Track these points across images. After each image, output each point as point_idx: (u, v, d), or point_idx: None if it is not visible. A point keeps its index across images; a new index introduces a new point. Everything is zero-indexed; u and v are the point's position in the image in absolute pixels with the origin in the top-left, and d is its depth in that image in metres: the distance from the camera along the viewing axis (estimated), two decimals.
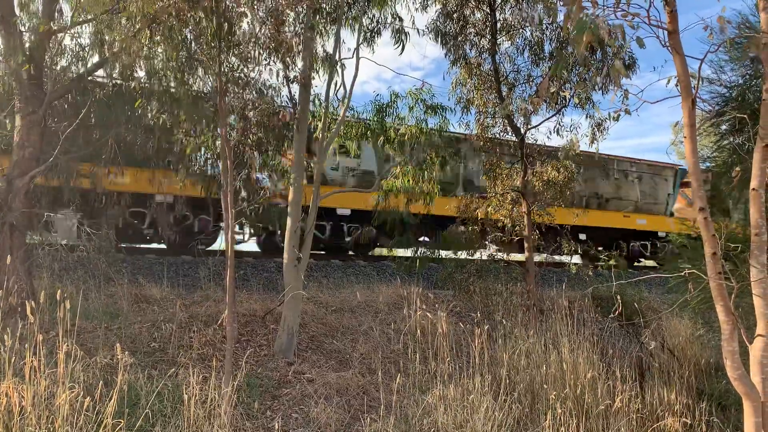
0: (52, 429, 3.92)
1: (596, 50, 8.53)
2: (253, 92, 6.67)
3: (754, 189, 3.59)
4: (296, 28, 6.83)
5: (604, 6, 2.88)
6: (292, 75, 6.87)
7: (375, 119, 8.45)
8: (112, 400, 4.02)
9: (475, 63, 10.05)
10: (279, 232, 12.72)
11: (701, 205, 3.36)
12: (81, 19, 6.84)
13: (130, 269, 9.55)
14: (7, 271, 5.76)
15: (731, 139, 5.58)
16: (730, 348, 3.35)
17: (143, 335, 6.52)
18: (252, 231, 12.65)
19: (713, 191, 5.95)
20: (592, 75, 8.92)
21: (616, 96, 3.22)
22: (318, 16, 7.04)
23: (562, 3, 2.91)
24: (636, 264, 17.45)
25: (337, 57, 7.39)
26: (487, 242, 10.29)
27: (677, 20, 3.15)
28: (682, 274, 4.10)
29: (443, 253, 12.72)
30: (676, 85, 3.37)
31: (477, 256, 11.27)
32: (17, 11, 6.98)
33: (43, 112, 6.68)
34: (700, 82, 3.43)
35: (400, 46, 7.73)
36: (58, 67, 7.41)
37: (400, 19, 7.89)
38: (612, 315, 6.67)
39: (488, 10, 9.66)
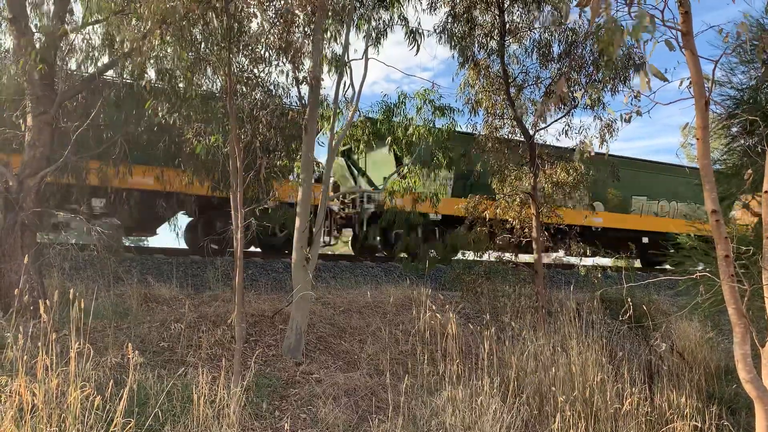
0: (63, 427, 3.94)
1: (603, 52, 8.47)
2: (263, 93, 6.70)
3: (766, 192, 3.57)
4: (305, 29, 6.85)
5: (617, 7, 2.87)
6: (301, 76, 6.89)
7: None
8: (123, 399, 4.04)
9: (484, 65, 10.02)
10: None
11: (713, 208, 3.35)
12: (92, 20, 6.88)
13: (139, 269, 9.59)
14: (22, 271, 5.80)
15: (742, 141, 5.55)
16: (742, 351, 3.33)
17: (152, 335, 6.55)
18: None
19: None
20: (604, 76, 8.88)
21: (629, 98, 3.21)
22: (329, 19, 7.06)
23: (575, 4, 2.90)
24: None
25: (346, 58, 7.41)
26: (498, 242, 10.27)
27: (691, 21, 3.13)
28: (693, 276, 4.08)
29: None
30: (688, 87, 3.35)
31: (485, 257, 11.25)
32: (28, 11, 7.03)
33: (54, 111, 6.72)
34: (713, 85, 3.42)
35: (415, 47, 7.75)
36: (70, 67, 7.46)
37: (407, 21, 7.91)
38: (621, 317, 6.64)
39: (497, 12, 9.64)
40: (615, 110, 12.72)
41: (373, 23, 7.80)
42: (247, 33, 6.21)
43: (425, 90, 8.81)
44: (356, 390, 6.16)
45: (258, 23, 6.21)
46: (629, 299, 5.81)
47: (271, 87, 6.88)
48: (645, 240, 16.63)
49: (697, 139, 3.33)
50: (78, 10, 7.35)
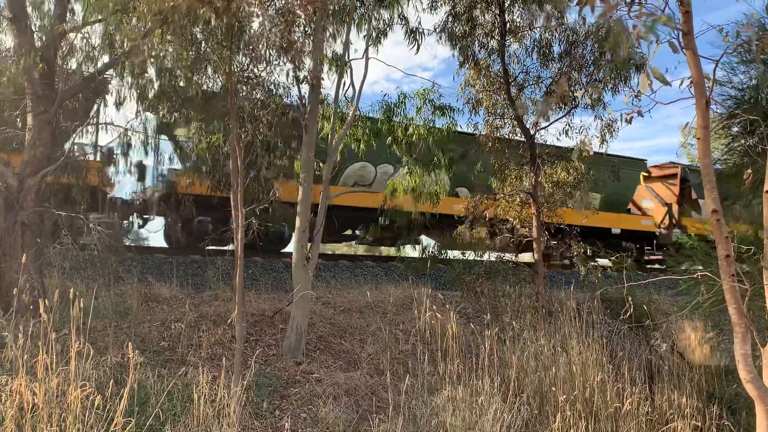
0: (63, 427, 3.94)
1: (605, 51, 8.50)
2: (263, 92, 6.69)
3: (767, 192, 3.56)
4: (306, 29, 6.84)
5: (618, 7, 2.87)
6: (301, 75, 6.89)
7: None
8: (123, 399, 4.04)
9: (484, 64, 10.03)
10: None
11: (714, 207, 3.34)
12: (93, 19, 6.87)
13: (140, 268, 9.59)
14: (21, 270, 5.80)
15: (742, 141, 5.54)
16: (742, 351, 3.32)
17: (153, 334, 6.55)
18: None
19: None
20: (604, 76, 8.88)
21: (630, 98, 3.20)
22: (330, 18, 7.05)
23: (575, 3, 2.90)
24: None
25: (346, 57, 7.41)
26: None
27: (692, 21, 3.13)
28: (694, 276, 4.08)
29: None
30: (689, 87, 3.35)
31: (485, 257, 11.24)
32: (29, 10, 7.02)
33: (54, 111, 6.72)
34: (714, 84, 3.41)
35: (416, 46, 7.76)
36: (70, 67, 7.45)
37: (407, 20, 7.92)
38: (622, 317, 6.64)
39: (497, 11, 9.64)
40: (615, 110, 12.70)
41: (374, 23, 7.80)
42: (248, 32, 6.21)
43: (425, 89, 8.80)
44: (356, 389, 6.16)
45: (259, 23, 6.20)
46: (629, 299, 5.81)
47: (272, 86, 6.86)
48: None
49: (698, 138, 3.32)
50: (78, 9, 7.35)
